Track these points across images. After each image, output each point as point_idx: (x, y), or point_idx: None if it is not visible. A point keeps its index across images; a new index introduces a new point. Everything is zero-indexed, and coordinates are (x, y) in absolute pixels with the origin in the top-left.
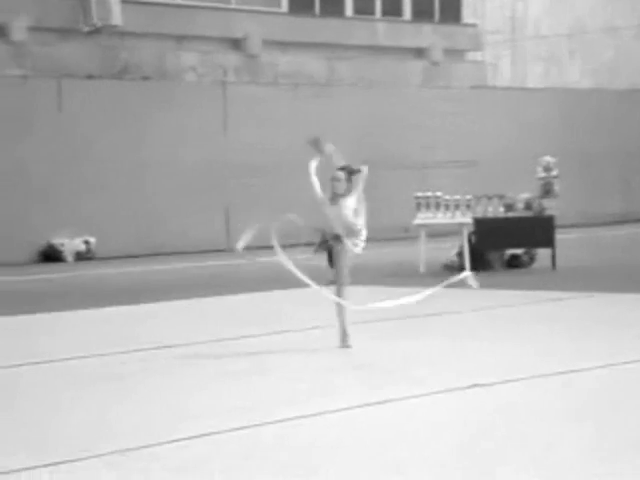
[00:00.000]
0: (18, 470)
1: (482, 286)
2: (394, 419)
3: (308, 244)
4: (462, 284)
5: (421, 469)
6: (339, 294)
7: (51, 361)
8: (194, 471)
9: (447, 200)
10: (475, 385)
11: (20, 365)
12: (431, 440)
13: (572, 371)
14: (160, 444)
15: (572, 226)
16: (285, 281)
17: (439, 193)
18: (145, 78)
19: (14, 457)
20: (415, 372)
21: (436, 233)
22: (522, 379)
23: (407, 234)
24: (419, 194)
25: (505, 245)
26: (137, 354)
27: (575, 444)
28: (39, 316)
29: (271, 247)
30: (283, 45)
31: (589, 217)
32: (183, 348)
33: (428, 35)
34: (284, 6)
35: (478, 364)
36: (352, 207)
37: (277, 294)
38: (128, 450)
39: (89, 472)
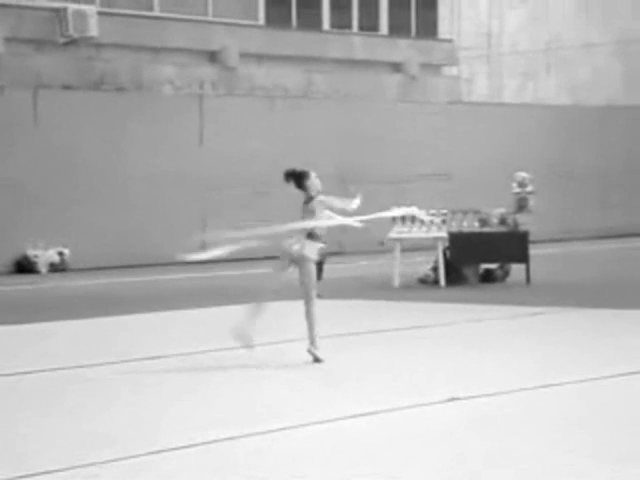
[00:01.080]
0: None
1: (458, 300)
2: (374, 431)
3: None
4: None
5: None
6: (307, 309)
7: (21, 373)
8: None
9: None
10: (453, 398)
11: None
12: (411, 452)
13: (549, 385)
14: (137, 456)
15: (549, 241)
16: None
17: (414, 207)
18: (121, 90)
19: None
20: (391, 385)
21: (411, 247)
22: (499, 393)
23: (382, 248)
24: (394, 208)
25: (480, 260)
26: (107, 367)
27: (557, 457)
28: (10, 328)
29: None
30: (260, 58)
31: (566, 232)
32: (155, 361)
33: (404, 49)
34: (261, 19)
35: (455, 377)
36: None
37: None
38: (107, 462)
39: None
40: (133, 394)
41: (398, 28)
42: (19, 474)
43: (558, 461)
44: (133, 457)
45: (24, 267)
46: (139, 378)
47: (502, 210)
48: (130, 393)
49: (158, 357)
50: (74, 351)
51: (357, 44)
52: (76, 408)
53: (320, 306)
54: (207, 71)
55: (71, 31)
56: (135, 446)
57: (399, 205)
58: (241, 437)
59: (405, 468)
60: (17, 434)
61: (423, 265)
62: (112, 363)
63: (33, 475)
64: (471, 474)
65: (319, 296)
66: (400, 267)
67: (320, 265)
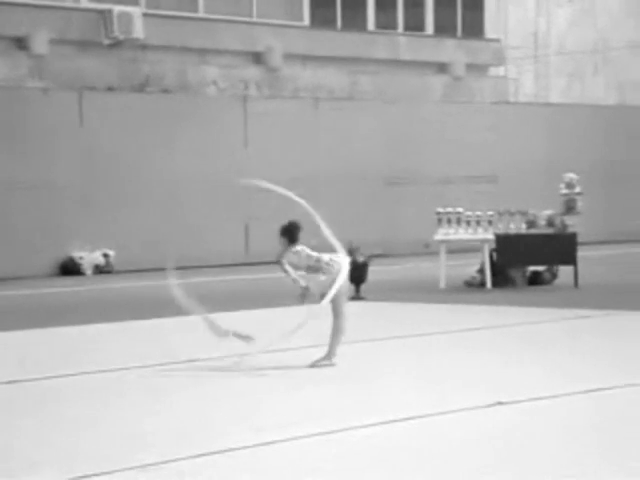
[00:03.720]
0: None
1: (504, 303)
2: (417, 437)
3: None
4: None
5: None
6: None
7: (65, 375)
8: None
9: (468, 216)
10: (499, 403)
11: (36, 379)
12: (455, 459)
13: (597, 389)
14: (177, 460)
15: (596, 243)
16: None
17: (460, 209)
18: (166, 91)
19: (22, 472)
20: (438, 389)
21: (457, 249)
22: (546, 397)
23: (428, 250)
24: (440, 210)
25: (527, 262)
26: (152, 369)
27: (602, 462)
28: (55, 330)
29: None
30: (304, 59)
31: (613, 234)
32: (200, 363)
33: (450, 50)
34: (306, 20)
35: (500, 381)
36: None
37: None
38: (146, 465)
39: None
40: (174, 397)
41: (444, 28)
42: (70, 476)
43: (607, 465)
44: (173, 461)
45: (69, 269)
46: (182, 380)
47: (550, 211)
48: (172, 396)
49: (201, 359)
50: (120, 353)
51: (402, 44)
52: (117, 410)
53: (364, 308)
54: (252, 72)
55: (116, 33)
56: (178, 450)
57: (445, 207)
58: (282, 441)
59: (446, 473)
60: (63, 436)
61: (469, 267)
62: (157, 365)
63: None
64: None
65: (363, 298)
66: (446, 269)
67: (365, 267)
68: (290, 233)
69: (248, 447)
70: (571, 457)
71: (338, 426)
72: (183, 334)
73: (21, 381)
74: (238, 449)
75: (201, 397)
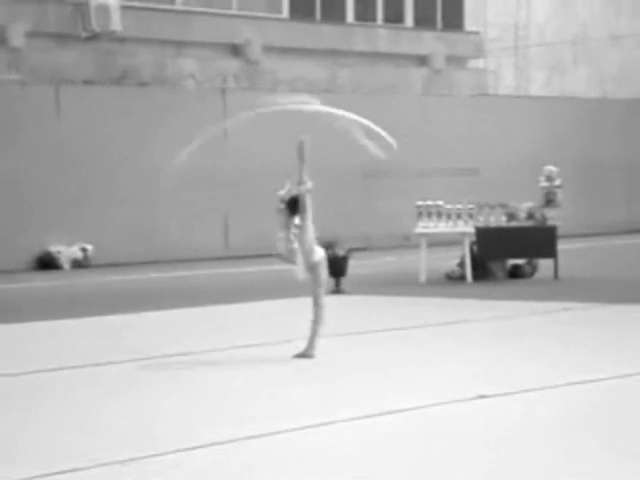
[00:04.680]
0: None
1: (485, 296)
2: (402, 429)
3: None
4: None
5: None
6: (315, 305)
7: (43, 370)
8: None
9: (449, 209)
10: (481, 396)
11: (15, 374)
12: (439, 451)
13: (578, 382)
14: (164, 454)
15: (575, 236)
16: (282, 290)
17: (440, 202)
18: (144, 84)
19: (12, 466)
20: (419, 383)
21: (437, 242)
22: (527, 390)
23: (407, 243)
24: (420, 203)
25: (507, 255)
26: (130, 364)
27: (586, 455)
28: (33, 325)
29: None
30: (283, 51)
31: (592, 227)
32: (180, 357)
33: (430, 42)
34: (285, 12)
35: (483, 375)
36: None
37: (274, 303)
38: (129, 460)
39: None
40: (157, 391)
41: (423, 20)
42: (46, 472)
43: (591, 458)
44: (160, 455)
45: (46, 263)
46: (164, 374)
47: (530, 204)
48: (154, 390)
49: (185, 354)
50: (99, 348)
51: (382, 37)
52: (97, 406)
53: (344, 302)
54: (230, 65)
55: (93, 25)
56: (164, 443)
57: (425, 200)
58: (272, 434)
59: (430, 466)
60: (45, 431)
61: (450, 260)
62: (136, 360)
63: (54, 474)
64: (496, 472)
65: (343, 292)
66: (426, 262)
67: (345, 261)
68: (293, 206)
69: (231, 441)
70: (558, 449)
71: (319, 420)
72: (164, 328)
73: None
74: (221, 443)
75: (180, 391)
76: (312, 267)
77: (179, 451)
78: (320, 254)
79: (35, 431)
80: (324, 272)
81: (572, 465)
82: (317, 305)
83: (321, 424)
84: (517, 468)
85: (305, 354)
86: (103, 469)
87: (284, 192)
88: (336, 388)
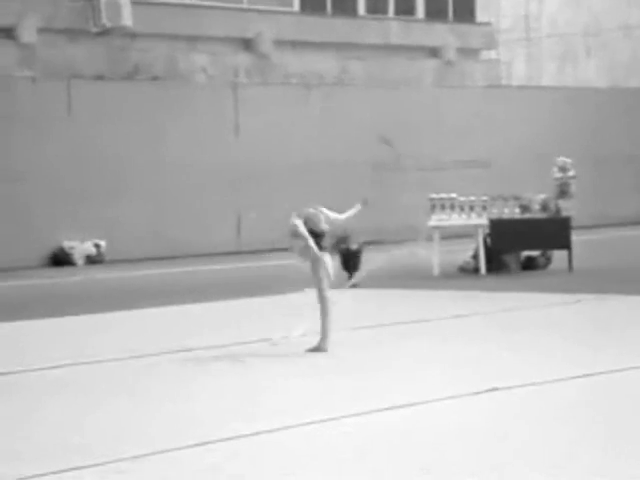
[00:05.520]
0: (21, 479)
1: (498, 289)
2: (414, 423)
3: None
4: None
5: (444, 473)
6: (320, 300)
7: (58, 367)
8: None
9: (462, 201)
10: (494, 389)
11: (24, 371)
12: (453, 443)
13: (591, 374)
14: (170, 450)
15: (588, 227)
16: (290, 286)
17: (453, 194)
18: (155, 79)
19: (15, 464)
20: (434, 375)
21: (451, 235)
22: (541, 383)
23: (421, 236)
24: (433, 195)
25: (521, 247)
26: (137, 360)
27: (598, 448)
28: (47, 321)
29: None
30: (294, 45)
31: (604, 218)
32: (186, 353)
33: (441, 34)
34: (295, 5)
35: (496, 367)
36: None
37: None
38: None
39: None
40: (163, 388)
41: (435, 12)
42: (50, 469)
43: (603, 450)
44: (167, 451)
45: (60, 259)
46: (177, 370)
47: (544, 196)
48: (161, 387)
49: (192, 349)
50: (111, 344)
51: (393, 29)
52: (100, 403)
53: (357, 295)
54: (241, 59)
55: (104, 21)
56: (171, 440)
57: (438, 192)
58: (281, 429)
59: (442, 460)
60: (46, 429)
61: (463, 253)
62: (151, 355)
63: (62, 471)
64: (509, 464)
65: (355, 285)
66: (440, 255)
67: (358, 255)
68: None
69: (243, 436)
70: (565, 440)
71: (333, 414)
72: (176, 323)
73: (11, 373)
74: (235, 438)
75: (189, 388)
76: (313, 260)
77: (181, 449)
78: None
79: (35, 429)
80: (325, 264)
81: (579, 458)
82: (321, 298)
83: (333, 418)
84: (528, 460)
85: (318, 348)
86: (104, 467)
87: (297, 222)
88: (347, 382)
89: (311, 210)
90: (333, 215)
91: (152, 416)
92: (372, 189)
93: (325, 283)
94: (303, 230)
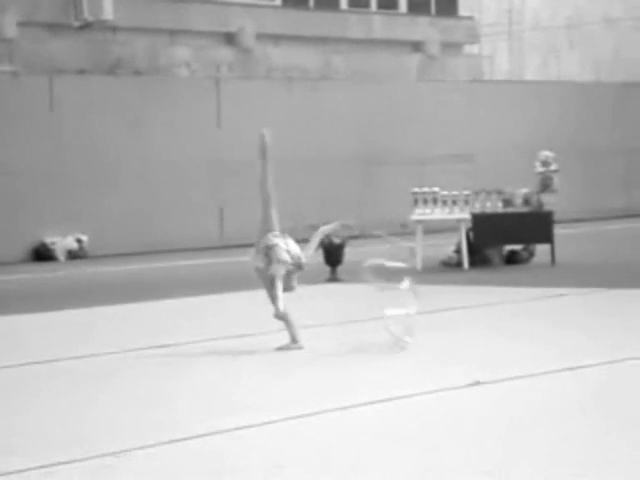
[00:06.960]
0: (8, 473)
1: (481, 283)
2: (398, 417)
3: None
4: None
5: (433, 465)
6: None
7: (39, 362)
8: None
9: (444, 195)
10: (477, 382)
11: (8, 367)
12: (435, 438)
13: (576, 367)
14: (153, 446)
15: (572, 221)
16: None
17: (436, 188)
18: (137, 73)
19: (4, 459)
20: (416, 370)
21: (434, 229)
22: (525, 376)
23: (404, 230)
24: (416, 189)
25: (504, 241)
26: (122, 354)
27: (584, 441)
28: (29, 316)
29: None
30: (277, 39)
31: (589, 212)
32: (169, 349)
33: (424, 28)
34: None
35: (479, 361)
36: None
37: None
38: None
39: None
40: (147, 382)
41: (417, 6)
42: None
43: (589, 443)
44: (155, 445)
45: (42, 255)
46: (157, 365)
47: (526, 190)
48: (145, 381)
49: (175, 345)
50: (90, 340)
51: (376, 23)
52: (89, 397)
53: (340, 290)
54: (224, 53)
55: (86, 14)
56: (158, 434)
57: (421, 186)
58: (267, 423)
59: (429, 452)
60: (29, 423)
61: (446, 247)
62: (129, 350)
63: (49, 465)
64: (494, 458)
65: (339, 280)
66: (422, 249)
67: (341, 249)
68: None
69: (226, 431)
70: (555, 435)
71: (315, 409)
72: (160, 318)
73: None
74: (219, 432)
75: (172, 383)
76: (272, 277)
77: (172, 442)
78: (274, 241)
79: (30, 422)
80: (278, 261)
81: (571, 452)
82: (281, 316)
83: (316, 412)
84: (518, 455)
85: (290, 346)
86: (98, 460)
87: (286, 250)
88: (328, 377)
89: (278, 240)
90: (295, 250)
91: (137, 411)
92: (356, 183)
93: (280, 301)
94: (282, 254)
